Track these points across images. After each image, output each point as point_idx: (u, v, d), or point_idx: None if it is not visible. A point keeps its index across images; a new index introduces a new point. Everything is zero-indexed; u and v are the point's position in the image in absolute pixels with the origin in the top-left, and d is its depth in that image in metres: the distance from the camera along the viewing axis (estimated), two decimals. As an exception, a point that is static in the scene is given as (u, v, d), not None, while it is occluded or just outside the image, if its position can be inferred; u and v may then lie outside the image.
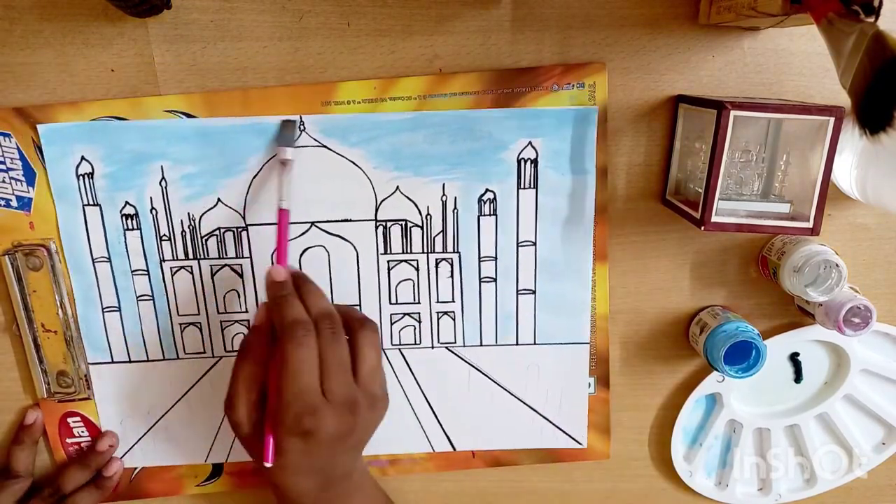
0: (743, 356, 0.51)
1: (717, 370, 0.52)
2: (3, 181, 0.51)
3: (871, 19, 0.33)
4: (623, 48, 0.49)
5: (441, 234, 0.53)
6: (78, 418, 0.57)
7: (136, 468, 0.59)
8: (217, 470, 0.59)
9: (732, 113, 0.43)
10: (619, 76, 0.50)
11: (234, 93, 0.49)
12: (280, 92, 0.49)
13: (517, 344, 0.56)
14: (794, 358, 0.58)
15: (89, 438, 0.57)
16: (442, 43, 0.49)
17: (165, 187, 0.51)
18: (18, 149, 0.50)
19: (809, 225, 0.45)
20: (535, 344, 0.56)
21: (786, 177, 0.48)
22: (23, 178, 0.51)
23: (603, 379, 0.57)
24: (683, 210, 0.49)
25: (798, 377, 0.59)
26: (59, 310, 0.53)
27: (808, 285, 0.50)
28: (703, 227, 0.45)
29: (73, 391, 0.55)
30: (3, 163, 0.50)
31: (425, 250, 0.54)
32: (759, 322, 0.56)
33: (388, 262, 0.54)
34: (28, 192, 0.51)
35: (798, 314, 0.56)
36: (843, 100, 0.35)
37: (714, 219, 0.45)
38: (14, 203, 0.51)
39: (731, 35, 0.49)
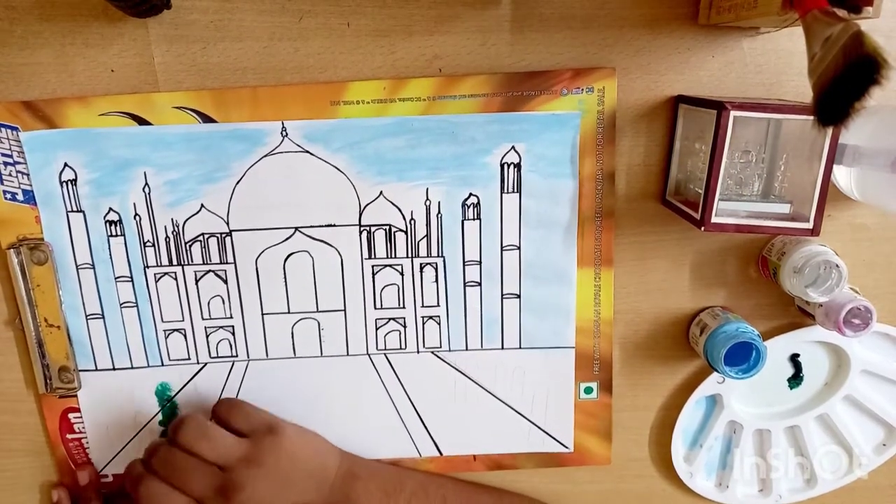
0: (743, 357, 0.51)
1: (717, 371, 0.52)
2: (10, 174, 0.51)
3: (856, 18, 0.33)
4: (623, 48, 0.49)
5: (425, 238, 0.53)
6: (79, 414, 0.57)
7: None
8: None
9: (732, 113, 0.43)
10: (619, 76, 0.50)
11: (242, 91, 0.49)
12: (289, 91, 0.49)
13: (502, 348, 0.56)
14: (794, 359, 0.58)
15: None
16: (442, 43, 0.49)
17: (149, 193, 0.51)
18: (25, 143, 0.50)
19: (809, 225, 0.45)
20: (520, 348, 0.56)
21: (786, 177, 0.48)
22: (29, 172, 0.51)
23: (605, 384, 0.57)
24: (683, 210, 0.49)
25: (798, 378, 0.58)
26: (63, 305, 0.53)
27: (808, 286, 0.50)
28: (703, 228, 0.45)
29: (75, 387, 0.55)
30: (10, 156, 0.50)
31: (409, 255, 0.54)
32: (760, 323, 0.55)
33: (373, 266, 0.54)
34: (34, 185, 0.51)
35: (798, 315, 0.56)
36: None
37: (714, 219, 0.45)
38: (20, 196, 0.51)
39: (730, 35, 0.49)
